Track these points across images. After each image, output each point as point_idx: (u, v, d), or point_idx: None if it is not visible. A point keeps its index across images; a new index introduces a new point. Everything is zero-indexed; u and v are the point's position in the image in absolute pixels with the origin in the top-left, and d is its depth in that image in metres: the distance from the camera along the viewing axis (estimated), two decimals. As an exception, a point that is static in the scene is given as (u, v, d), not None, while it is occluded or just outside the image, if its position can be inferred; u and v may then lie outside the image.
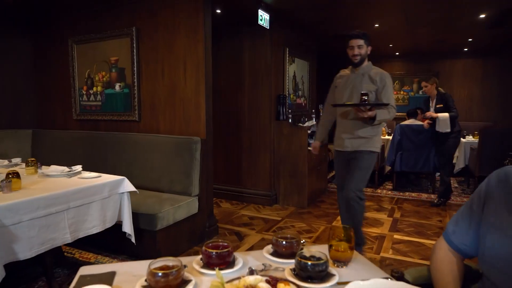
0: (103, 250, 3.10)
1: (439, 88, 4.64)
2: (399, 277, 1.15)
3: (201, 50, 3.28)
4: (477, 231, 1.10)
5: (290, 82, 5.09)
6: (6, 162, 3.06)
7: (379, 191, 5.47)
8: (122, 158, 3.52)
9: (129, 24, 3.62)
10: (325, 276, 1.02)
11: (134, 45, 3.59)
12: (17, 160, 3.16)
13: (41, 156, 3.64)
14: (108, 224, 2.51)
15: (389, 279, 1.02)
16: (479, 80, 7.35)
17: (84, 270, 1.09)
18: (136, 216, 2.77)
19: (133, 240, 2.61)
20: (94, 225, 2.40)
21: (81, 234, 2.33)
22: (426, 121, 4.86)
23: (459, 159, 5.81)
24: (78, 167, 2.74)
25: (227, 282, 0.94)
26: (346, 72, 2.91)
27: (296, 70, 5.28)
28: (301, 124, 4.87)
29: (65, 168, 2.68)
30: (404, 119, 6.06)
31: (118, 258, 2.99)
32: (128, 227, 2.57)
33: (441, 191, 4.68)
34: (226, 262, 1.09)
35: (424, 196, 5.13)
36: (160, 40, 3.48)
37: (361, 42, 2.69)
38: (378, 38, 6.00)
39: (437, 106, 4.57)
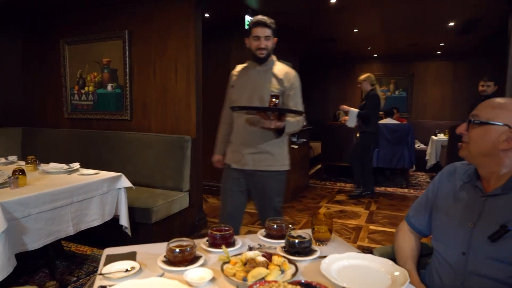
0: (98, 244, 3.26)
1: (375, 86, 4.71)
2: (368, 253, 1.40)
3: (192, 53, 3.47)
4: (431, 214, 1.37)
5: (274, 83, 5.33)
6: (3, 159, 3.19)
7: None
8: (116, 155, 3.68)
9: (121, 27, 3.76)
10: (309, 251, 1.26)
11: (127, 47, 3.75)
12: (13, 157, 3.28)
13: (32, 154, 3.74)
14: (107, 218, 2.69)
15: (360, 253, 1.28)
16: (450, 81, 7.80)
17: (109, 251, 1.30)
18: (131, 210, 2.95)
19: (129, 232, 2.80)
20: (94, 219, 2.58)
21: (83, 227, 2.50)
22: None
23: (431, 156, 6.22)
24: (76, 165, 2.90)
25: (232, 256, 1.18)
26: (245, 68, 2.27)
27: (279, 71, 5.52)
28: (284, 123, 5.11)
29: (64, 166, 2.84)
30: (381, 118, 6.41)
31: (113, 250, 3.16)
32: (125, 221, 2.75)
33: (363, 183, 5.00)
34: (228, 242, 1.32)
35: (398, 190, 5.49)
36: (152, 43, 3.65)
37: (268, 32, 2.12)
38: (357, 41, 6.33)
39: (362, 103, 4.80)
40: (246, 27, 4.37)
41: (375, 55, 8.02)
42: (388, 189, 5.60)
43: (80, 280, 2.61)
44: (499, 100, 1.16)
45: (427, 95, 7.98)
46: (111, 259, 1.22)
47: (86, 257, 3.01)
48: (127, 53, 3.76)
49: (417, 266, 1.35)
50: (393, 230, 3.75)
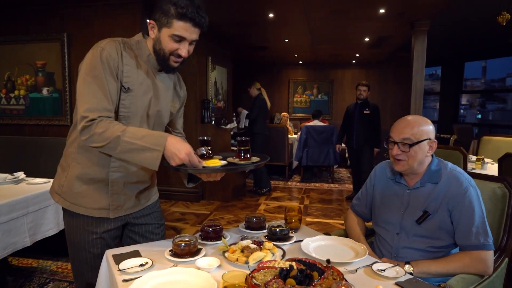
0: (42, 255, 3.14)
1: (261, 91, 5.30)
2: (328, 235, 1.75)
3: (139, 60, 3.52)
4: (370, 203, 1.76)
5: (212, 87, 5.54)
6: None
7: (289, 183, 6.31)
8: (57, 162, 3.52)
9: (59, 30, 3.63)
10: (287, 237, 1.55)
11: (66, 50, 3.63)
12: None
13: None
14: (62, 226, 2.64)
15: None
16: (364, 87, 8.84)
17: (112, 252, 1.42)
18: (83, 218, 2.92)
19: (83, 240, 2.79)
20: (50, 228, 2.53)
21: (39, 237, 2.45)
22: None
23: (351, 154, 7.02)
24: (21, 174, 2.78)
25: (229, 246, 1.41)
26: (143, 66, 1.43)
27: (216, 77, 5.76)
28: (223, 126, 5.38)
29: (8, 175, 2.71)
30: (307, 120, 7.05)
31: (61, 260, 3.08)
32: (79, 228, 2.74)
33: (256, 181, 5.51)
34: (219, 236, 1.53)
35: (325, 185, 6.13)
36: (96, 48, 3.59)
37: (197, 35, 1.38)
38: (287, 50, 6.88)
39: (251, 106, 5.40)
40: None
41: (300, 62, 8.71)
42: (317, 184, 6.21)
43: (35, 292, 2.54)
44: (414, 119, 1.55)
45: (345, 99, 8.92)
46: (119, 258, 1.35)
47: (33, 270, 2.90)
48: (66, 56, 3.65)
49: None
50: (326, 221, 4.27)
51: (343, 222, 4.27)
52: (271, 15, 4.22)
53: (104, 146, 1.29)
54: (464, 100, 11.76)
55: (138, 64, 1.41)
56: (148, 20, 1.36)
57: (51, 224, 2.54)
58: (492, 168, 3.52)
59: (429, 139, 1.52)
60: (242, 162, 1.44)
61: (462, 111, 11.36)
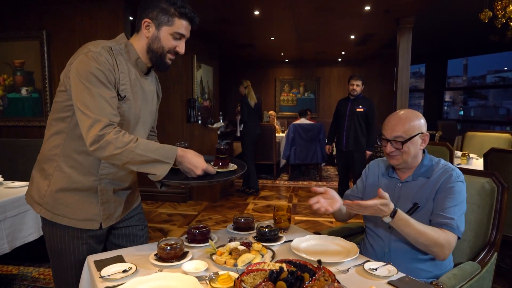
0: (23, 261, 3.03)
1: (248, 88, 5.09)
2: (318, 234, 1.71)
3: (122, 58, 3.43)
4: (362, 197, 1.74)
5: (198, 86, 5.47)
6: None
7: (277, 182, 6.28)
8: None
9: (38, 27, 3.51)
10: (277, 238, 1.51)
11: (45, 49, 3.51)
12: None
13: None
14: (42, 231, 2.55)
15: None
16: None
17: (93, 257, 1.35)
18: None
19: (65, 245, 2.69)
20: (30, 233, 2.43)
21: (18, 243, 2.35)
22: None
23: (338, 151, 7.04)
24: (-2, 177, 2.67)
25: (216, 248, 1.36)
26: (128, 67, 1.37)
27: (202, 75, 5.68)
28: (210, 126, 5.31)
29: (-16, 179, 2.60)
30: (295, 118, 7.03)
31: (43, 266, 2.98)
32: (61, 233, 2.65)
33: (244, 180, 5.43)
34: (206, 238, 1.48)
35: (313, 183, 6.12)
36: (77, 46, 3.47)
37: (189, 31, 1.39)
38: (273, 47, 6.84)
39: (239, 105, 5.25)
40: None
41: (286, 60, 8.69)
42: (305, 182, 6.20)
43: (15, 301, 2.44)
44: (404, 115, 1.53)
45: (331, 96, 8.95)
46: (101, 264, 1.29)
47: (13, 277, 2.79)
48: (45, 55, 3.52)
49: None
50: (315, 219, 4.25)
51: (332, 220, 4.27)
52: (256, 12, 4.18)
53: (114, 156, 1.25)
54: (447, 97, 11.97)
55: (129, 70, 1.37)
56: (144, 19, 1.35)
57: (31, 229, 2.44)
58: (476, 163, 3.56)
59: (421, 133, 1.51)
60: (220, 170, 1.49)
61: (445, 108, 11.55)
